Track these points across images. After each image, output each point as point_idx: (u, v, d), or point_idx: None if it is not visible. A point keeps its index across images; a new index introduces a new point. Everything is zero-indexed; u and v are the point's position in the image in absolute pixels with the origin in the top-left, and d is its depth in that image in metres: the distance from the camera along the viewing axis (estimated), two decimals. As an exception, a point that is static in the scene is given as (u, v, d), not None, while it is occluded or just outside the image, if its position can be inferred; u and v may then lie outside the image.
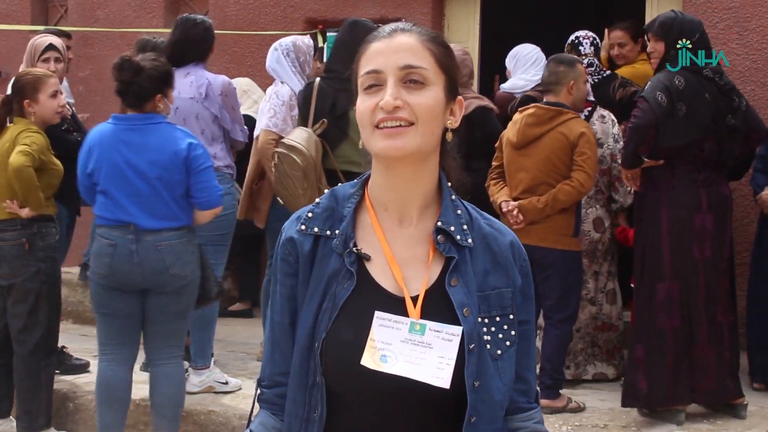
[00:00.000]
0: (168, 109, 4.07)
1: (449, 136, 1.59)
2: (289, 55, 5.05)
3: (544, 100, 4.51)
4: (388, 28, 1.57)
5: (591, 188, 4.45)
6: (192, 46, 4.61)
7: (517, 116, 4.51)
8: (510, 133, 4.50)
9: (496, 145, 4.61)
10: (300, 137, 4.48)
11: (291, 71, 5.01)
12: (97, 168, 3.89)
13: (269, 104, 4.93)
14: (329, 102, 4.53)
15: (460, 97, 1.61)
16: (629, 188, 4.60)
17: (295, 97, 4.93)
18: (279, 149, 4.51)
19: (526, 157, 4.42)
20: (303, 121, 4.64)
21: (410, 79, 1.51)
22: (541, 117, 4.39)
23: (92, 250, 4.00)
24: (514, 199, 4.42)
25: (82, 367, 5.12)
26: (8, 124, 4.34)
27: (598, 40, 5.19)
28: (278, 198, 4.65)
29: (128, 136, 3.88)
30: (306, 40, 5.24)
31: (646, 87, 4.23)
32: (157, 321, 3.93)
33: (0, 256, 4.22)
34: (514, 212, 4.36)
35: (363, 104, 1.54)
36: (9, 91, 4.41)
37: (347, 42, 4.54)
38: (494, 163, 4.63)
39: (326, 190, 1.66)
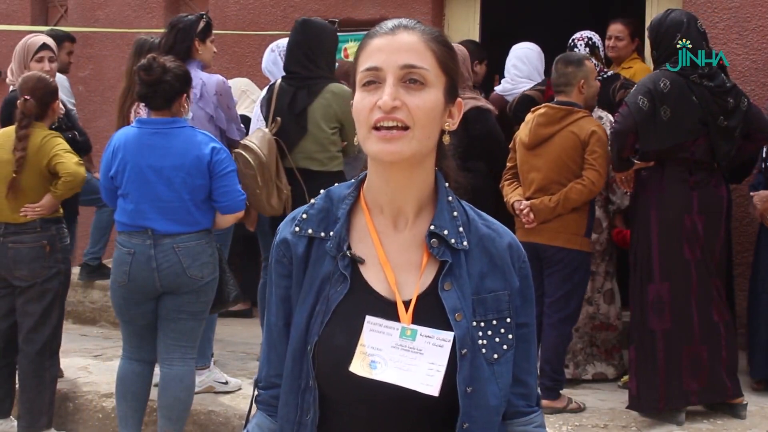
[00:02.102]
0: (188, 109, 4.09)
1: (446, 138, 1.56)
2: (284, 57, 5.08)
3: (555, 99, 4.50)
4: (390, 23, 1.54)
5: (603, 186, 4.44)
6: (168, 49, 4.58)
7: (529, 116, 4.52)
8: (522, 133, 4.52)
9: (510, 146, 4.64)
10: (255, 137, 4.55)
11: (279, 71, 5.05)
12: (119, 171, 3.92)
13: (257, 111, 5.04)
14: (287, 100, 4.56)
15: (459, 99, 1.58)
16: (625, 190, 4.60)
17: None
18: (236, 149, 4.56)
19: (537, 157, 4.43)
20: (265, 122, 4.70)
21: (410, 79, 1.48)
22: (552, 117, 4.39)
23: (113, 258, 4.05)
24: (527, 199, 4.43)
25: None
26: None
27: (595, 40, 5.17)
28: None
29: (152, 140, 3.90)
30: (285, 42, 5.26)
31: (632, 91, 4.25)
32: (172, 319, 3.95)
33: (19, 259, 4.24)
34: (525, 211, 4.37)
35: (360, 102, 1.50)
36: (24, 93, 4.36)
37: (300, 41, 4.58)
38: (508, 164, 4.64)
39: (322, 191, 1.63)
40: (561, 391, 4.41)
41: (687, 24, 4.15)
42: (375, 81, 1.49)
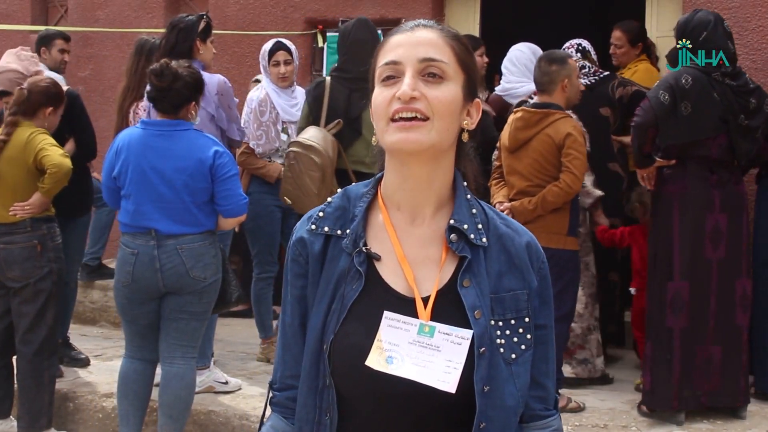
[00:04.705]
0: (196, 116, 4.10)
1: (465, 137, 1.56)
2: (261, 61, 5.28)
3: (535, 100, 4.50)
4: (410, 23, 1.55)
5: (580, 188, 4.42)
6: (170, 49, 4.59)
7: (511, 118, 4.52)
8: (504, 136, 4.52)
9: (497, 145, 4.62)
10: (316, 137, 4.48)
11: (263, 74, 5.25)
12: (122, 172, 3.93)
13: (243, 114, 5.13)
14: (343, 102, 4.53)
15: (477, 100, 1.58)
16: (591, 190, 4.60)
17: (266, 103, 5.09)
18: (294, 148, 4.50)
19: (518, 161, 4.43)
20: (315, 121, 4.64)
21: (429, 73, 1.48)
22: (529, 120, 4.38)
23: (116, 258, 4.05)
24: (511, 201, 4.43)
25: (82, 362, 5.19)
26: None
27: (584, 45, 5.18)
28: (286, 198, 4.64)
29: (155, 141, 3.91)
30: (265, 46, 5.31)
31: (654, 86, 4.26)
32: (174, 319, 3.95)
33: (11, 259, 4.23)
34: (505, 213, 4.36)
35: (379, 95, 1.50)
36: (27, 85, 4.38)
37: (366, 40, 4.53)
38: (496, 163, 4.63)
39: (339, 190, 1.63)
40: (560, 390, 4.41)
41: (714, 24, 4.16)
42: (394, 75, 1.50)
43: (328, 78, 4.64)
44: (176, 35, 4.59)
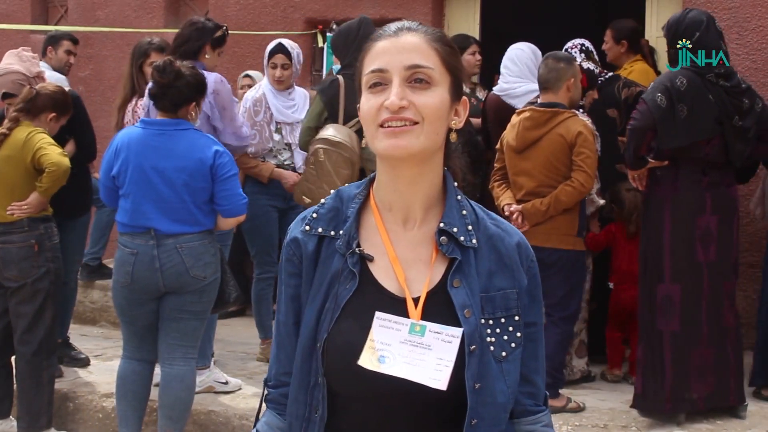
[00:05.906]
0: (197, 118, 4.09)
1: (453, 136, 1.58)
2: (264, 60, 5.26)
3: (540, 100, 4.49)
4: (393, 26, 1.56)
5: (592, 187, 4.43)
6: (180, 44, 4.60)
7: (515, 119, 4.50)
8: (509, 136, 4.50)
9: (497, 147, 4.62)
10: (343, 134, 4.44)
11: (264, 73, 5.25)
12: (122, 171, 3.92)
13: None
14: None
15: (464, 98, 1.60)
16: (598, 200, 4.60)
17: (261, 103, 5.08)
18: (322, 146, 4.45)
19: (526, 161, 4.42)
20: (331, 119, 4.62)
21: (416, 79, 1.50)
22: (538, 120, 4.38)
23: (115, 259, 4.04)
24: (518, 202, 4.42)
25: (82, 362, 5.19)
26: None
27: (587, 45, 5.18)
28: (304, 198, 4.59)
29: (156, 141, 3.91)
30: (269, 45, 5.28)
31: (648, 88, 4.24)
32: (174, 319, 3.95)
33: (8, 259, 4.22)
34: (515, 216, 4.36)
35: (367, 103, 1.52)
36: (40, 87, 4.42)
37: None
38: (496, 165, 4.62)
39: (332, 191, 1.65)
40: (560, 391, 4.41)
41: (706, 23, 4.14)
42: (381, 83, 1.51)
43: (340, 77, 4.63)
44: (191, 31, 4.57)
